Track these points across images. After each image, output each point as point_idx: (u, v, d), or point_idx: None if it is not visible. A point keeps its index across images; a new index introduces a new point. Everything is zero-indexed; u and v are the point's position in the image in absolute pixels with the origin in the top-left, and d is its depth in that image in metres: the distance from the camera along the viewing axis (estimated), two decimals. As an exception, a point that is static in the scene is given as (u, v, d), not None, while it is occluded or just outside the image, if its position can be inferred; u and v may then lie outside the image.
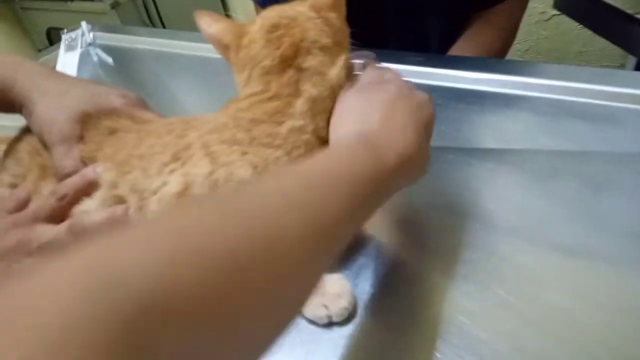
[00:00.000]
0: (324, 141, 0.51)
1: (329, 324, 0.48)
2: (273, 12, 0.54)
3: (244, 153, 0.48)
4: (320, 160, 0.39)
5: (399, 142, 0.44)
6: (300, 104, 0.50)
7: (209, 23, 0.56)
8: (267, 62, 0.51)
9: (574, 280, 0.49)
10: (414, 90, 0.50)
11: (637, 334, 0.44)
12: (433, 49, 0.97)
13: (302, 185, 0.35)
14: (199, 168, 0.48)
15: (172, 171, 0.49)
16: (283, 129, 0.49)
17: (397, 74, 0.52)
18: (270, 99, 0.51)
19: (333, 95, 0.51)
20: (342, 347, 0.46)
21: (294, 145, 0.49)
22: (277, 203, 0.33)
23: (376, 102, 0.47)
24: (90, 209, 0.53)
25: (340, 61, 0.52)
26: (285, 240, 0.31)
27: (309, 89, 0.50)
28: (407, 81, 0.50)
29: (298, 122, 0.50)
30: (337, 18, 0.54)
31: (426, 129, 0.48)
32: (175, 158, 0.50)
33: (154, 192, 0.50)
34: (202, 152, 0.49)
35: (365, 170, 0.40)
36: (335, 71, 0.52)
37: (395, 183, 0.45)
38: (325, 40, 0.52)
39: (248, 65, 0.53)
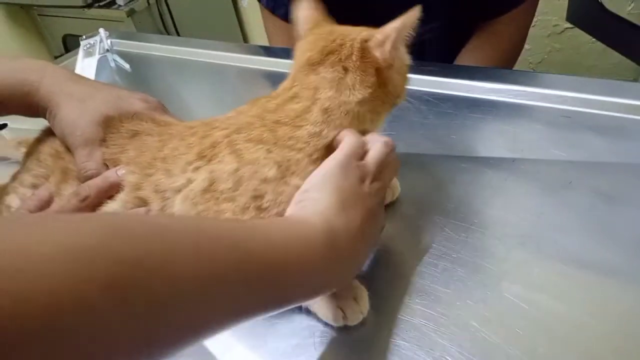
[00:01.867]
0: None
1: (344, 327, 0.49)
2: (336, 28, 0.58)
3: (269, 151, 0.49)
4: (289, 240, 0.39)
5: (354, 265, 0.46)
6: (315, 112, 0.51)
7: (302, 6, 0.60)
8: (303, 59, 0.55)
9: (584, 289, 0.50)
10: (381, 207, 0.52)
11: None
12: (429, 56, 0.97)
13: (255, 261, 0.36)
14: (224, 164, 0.49)
15: (197, 168, 0.50)
16: (304, 133, 0.50)
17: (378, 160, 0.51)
18: (291, 98, 0.53)
19: (348, 117, 0.52)
20: (355, 349, 0.47)
21: (315, 148, 0.50)
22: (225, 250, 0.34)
23: (358, 203, 0.46)
24: (112, 211, 0.54)
25: (360, 94, 0.52)
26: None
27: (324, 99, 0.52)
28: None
29: (316, 128, 0.51)
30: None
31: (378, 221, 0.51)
32: (201, 156, 0.51)
33: (177, 191, 0.51)
34: (228, 149, 0.50)
35: (312, 280, 0.41)
36: (352, 98, 0.52)
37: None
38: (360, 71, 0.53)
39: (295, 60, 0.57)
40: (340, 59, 0.53)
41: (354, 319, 0.49)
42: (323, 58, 0.53)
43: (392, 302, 0.51)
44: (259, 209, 0.48)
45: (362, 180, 0.48)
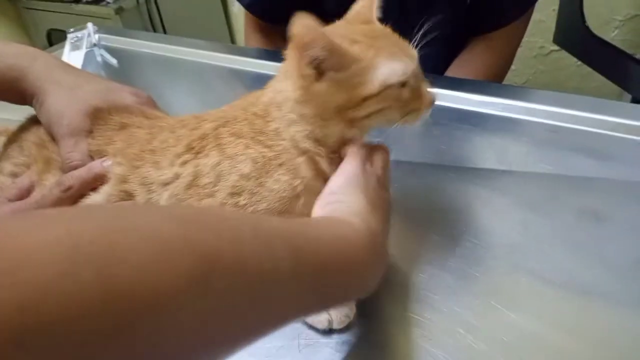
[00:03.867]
0: (310, 159, 0.49)
1: (329, 330, 0.48)
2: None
3: (247, 147, 0.48)
4: (342, 239, 0.39)
5: (384, 265, 0.45)
6: (274, 106, 0.50)
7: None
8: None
9: (569, 300, 0.50)
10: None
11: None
12: (425, 68, 0.97)
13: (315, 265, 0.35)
14: (208, 158, 0.49)
15: (185, 162, 0.49)
16: (270, 129, 0.49)
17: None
18: (265, 89, 0.52)
19: (295, 115, 0.49)
20: (340, 352, 0.47)
21: (277, 150, 0.48)
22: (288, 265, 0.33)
23: (382, 206, 0.47)
24: (95, 203, 0.52)
25: (297, 93, 0.48)
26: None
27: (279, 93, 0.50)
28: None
29: (275, 124, 0.49)
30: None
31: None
32: (189, 148, 0.50)
33: (164, 184, 0.50)
34: (214, 142, 0.49)
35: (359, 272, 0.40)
36: (292, 94, 0.49)
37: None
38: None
39: None
40: (296, 50, 0.47)
41: (340, 323, 0.48)
42: (289, 49, 0.49)
43: (378, 307, 0.50)
44: (236, 206, 0.47)
45: (380, 185, 0.48)
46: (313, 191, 0.48)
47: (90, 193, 0.53)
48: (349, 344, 0.47)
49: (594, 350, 0.45)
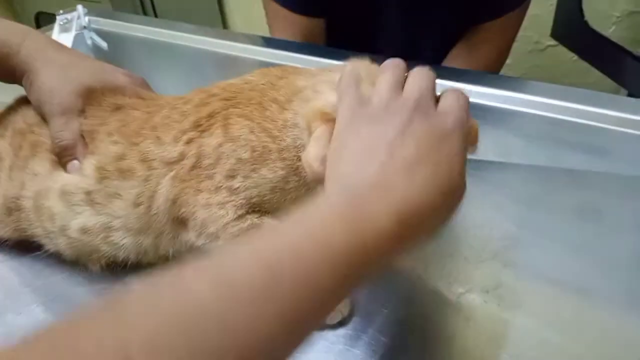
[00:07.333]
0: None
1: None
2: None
3: (251, 131, 0.47)
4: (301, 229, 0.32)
5: (397, 196, 0.33)
6: (301, 97, 0.48)
7: None
8: None
9: (569, 295, 0.50)
10: (440, 113, 0.39)
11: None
12: (424, 58, 0.95)
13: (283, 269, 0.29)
14: (212, 138, 0.47)
15: (190, 140, 0.48)
16: (281, 118, 0.47)
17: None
18: (298, 74, 0.50)
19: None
20: (331, 349, 0.46)
21: (279, 143, 0.47)
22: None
23: (381, 136, 0.36)
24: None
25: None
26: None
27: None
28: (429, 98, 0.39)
29: (289, 115, 0.47)
30: None
31: (450, 165, 0.36)
32: (196, 125, 0.48)
33: (168, 164, 0.48)
34: (221, 122, 0.48)
35: (341, 248, 0.31)
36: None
37: (393, 250, 0.34)
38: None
39: None
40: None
41: (332, 318, 0.47)
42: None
43: (372, 302, 0.49)
44: (230, 190, 0.46)
45: (361, 103, 0.38)
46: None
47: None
48: (344, 338, 0.46)
49: (590, 348, 0.45)
